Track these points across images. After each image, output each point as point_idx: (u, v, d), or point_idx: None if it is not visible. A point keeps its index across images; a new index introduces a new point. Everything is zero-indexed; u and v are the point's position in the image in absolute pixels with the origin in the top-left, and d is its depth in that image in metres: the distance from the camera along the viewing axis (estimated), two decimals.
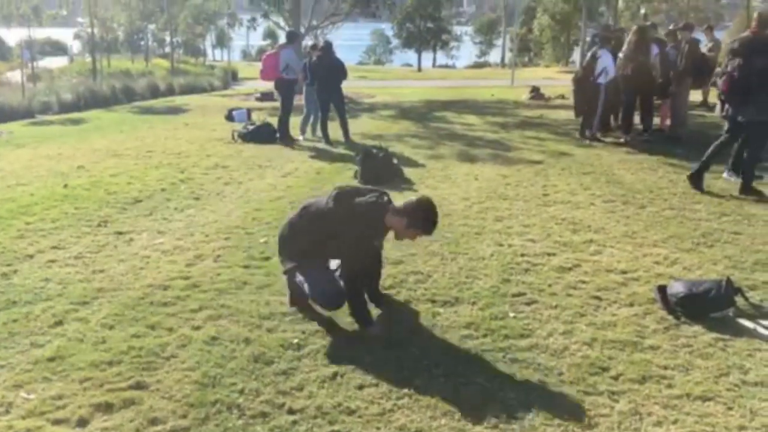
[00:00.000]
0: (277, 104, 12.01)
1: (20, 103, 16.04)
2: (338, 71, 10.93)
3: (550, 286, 4.58)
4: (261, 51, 39.06)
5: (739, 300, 4.12)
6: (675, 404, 3.15)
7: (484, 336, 3.82)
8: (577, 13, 36.82)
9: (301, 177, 8.25)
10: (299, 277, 4.06)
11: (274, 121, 11.52)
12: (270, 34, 47.24)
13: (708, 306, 4.04)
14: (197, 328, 3.94)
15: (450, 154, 9.82)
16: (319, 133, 11.25)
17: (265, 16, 24.51)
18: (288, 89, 11.01)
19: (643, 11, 27.38)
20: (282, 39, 16.19)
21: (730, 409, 3.11)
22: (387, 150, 8.66)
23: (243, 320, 4.02)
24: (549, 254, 5.23)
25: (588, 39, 12.61)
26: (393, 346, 3.72)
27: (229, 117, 13.86)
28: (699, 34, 13.31)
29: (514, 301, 4.32)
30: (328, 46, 11.26)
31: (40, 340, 3.79)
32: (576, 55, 37.34)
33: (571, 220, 6.19)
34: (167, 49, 39.26)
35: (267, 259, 5.04)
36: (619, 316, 4.11)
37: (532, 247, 5.39)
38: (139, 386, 3.29)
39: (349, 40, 41.51)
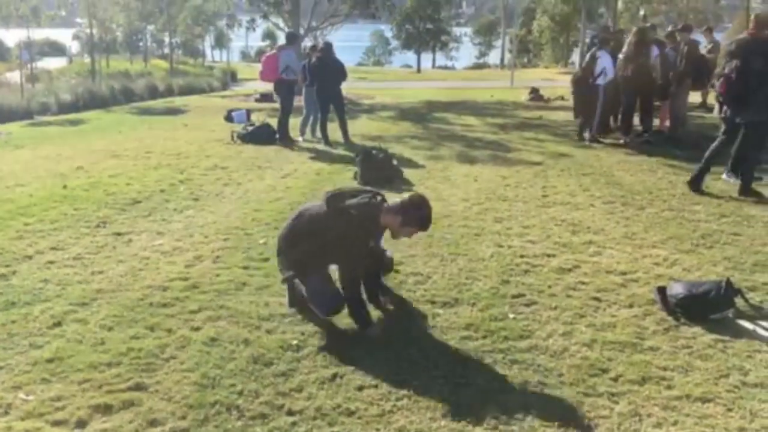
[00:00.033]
0: (277, 105, 12.01)
1: (19, 103, 16.05)
2: (338, 72, 10.94)
3: (549, 287, 4.58)
4: (260, 52, 39.09)
5: (738, 301, 4.11)
6: (675, 405, 3.14)
7: (484, 337, 3.82)
8: (576, 15, 36.88)
9: (301, 178, 8.25)
10: (299, 284, 4.06)
11: (273, 122, 11.53)
12: (269, 35, 47.30)
13: (708, 307, 4.04)
14: (196, 329, 3.93)
15: (449, 155, 9.82)
16: (318, 134, 11.26)
17: (265, 17, 24.50)
18: (287, 90, 11.02)
19: (642, 12, 27.36)
20: (281, 40, 16.18)
21: (729, 410, 3.11)
22: (387, 151, 8.66)
23: (242, 321, 4.02)
24: (548, 255, 5.22)
25: (587, 40, 12.61)
26: (392, 347, 3.71)
27: (229, 118, 13.87)
28: (698, 36, 13.34)
29: (513, 303, 4.31)
30: (328, 47, 11.26)
31: (39, 341, 3.78)
32: (575, 56, 37.39)
33: (571, 221, 6.19)
34: (166, 50, 39.35)
35: (266, 260, 5.03)
36: (619, 317, 4.10)
37: (532, 249, 5.39)
38: (139, 387, 3.29)
39: (348, 41, 41.55)
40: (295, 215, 4.19)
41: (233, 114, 13.97)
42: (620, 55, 10.22)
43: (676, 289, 4.19)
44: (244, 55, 54.44)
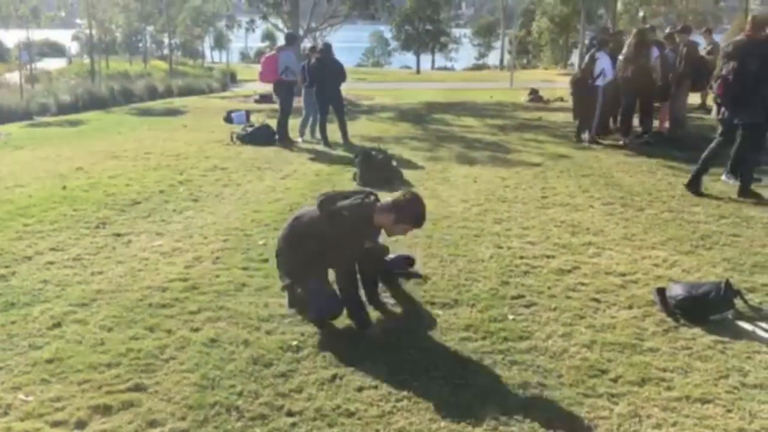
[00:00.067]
0: (276, 106, 12.02)
1: (18, 104, 16.04)
2: (337, 73, 10.94)
3: (549, 288, 4.58)
4: (259, 53, 39.11)
5: (738, 302, 4.11)
6: (674, 406, 3.14)
7: (483, 338, 3.82)
8: (575, 16, 36.92)
9: (300, 179, 8.25)
10: (298, 289, 4.07)
11: (272, 123, 11.53)
12: (268, 36, 47.29)
13: (707, 308, 4.04)
14: (196, 330, 3.93)
15: (449, 156, 9.82)
16: (318, 135, 11.27)
17: (264, 18, 24.51)
18: (287, 91, 11.02)
19: (641, 14, 27.39)
20: (280, 41, 16.19)
21: (729, 411, 3.11)
22: (386, 152, 8.67)
23: (242, 322, 4.02)
24: (548, 256, 5.23)
25: (586, 41, 12.63)
26: (392, 348, 3.71)
27: (228, 119, 13.87)
28: (697, 37, 13.35)
29: (513, 304, 4.32)
30: (327, 48, 11.27)
31: (38, 341, 3.78)
32: (575, 58, 37.41)
33: (570, 222, 6.19)
34: (165, 51, 39.32)
35: (265, 261, 5.03)
36: (619, 318, 4.10)
37: (531, 250, 5.39)
38: (138, 388, 3.28)
39: (347, 42, 41.57)
40: (291, 220, 4.20)
41: (233, 115, 13.97)
42: (620, 57, 10.23)
43: (676, 291, 4.19)
44: (244, 56, 54.43)
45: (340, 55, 11.79)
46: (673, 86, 10.56)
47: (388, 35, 54.93)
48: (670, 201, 6.94)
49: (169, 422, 3.01)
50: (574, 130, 11.21)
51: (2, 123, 14.37)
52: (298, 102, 11.64)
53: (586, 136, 10.68)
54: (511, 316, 4.11)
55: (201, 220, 6.30)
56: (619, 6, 31.46)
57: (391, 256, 4.76)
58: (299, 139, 11.42)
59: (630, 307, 4.27)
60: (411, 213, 3.93)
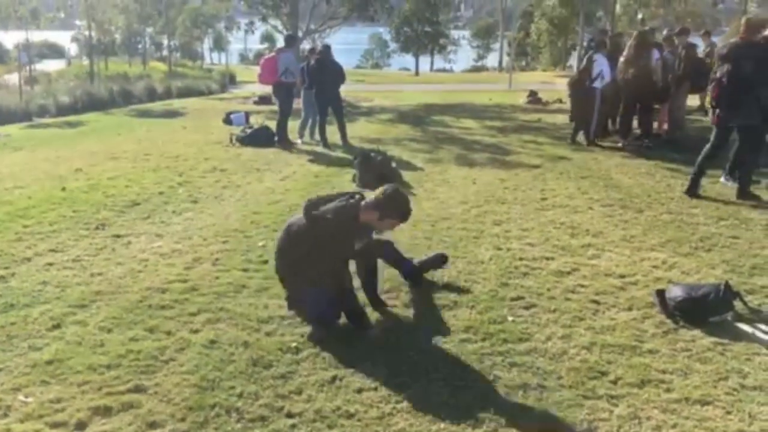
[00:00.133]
0: (275, 108, 12.03)
1: (18, 105, 16.07)
2: (336, 75, 10.95)
3: (548, 290, 4.58)
4: (259, 54, 39.12)
5: (737, 304, 4.11)
6: (674, 408, 3.15)
7: (483, 340, 3.82)
8: (574, 18, 36.90)
9: (300, 180, 8.25)
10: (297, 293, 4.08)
11: (272, 124, 11.54)
12: (268, 38, 47.34)
13: (707, 310, 4.04)
14: (196, 331, 3.93)
15: (448, 157, 9.82)
16: (317, 136, 11.28)
17: (263, 19, 24.53)
18: (286, 93, 11.03)
19: (640, 16, 27.43)
20: (280, 42, 16.21)
21: (728, 413, 3.11)
22: (385, 153, 8.68)
23: (241, 324, 4.02)
24: (547, 258, 5.23)
25: (585, 43, 12.65)
26: (392, 349, 3.71)
27: (227, 120, 13.87)
28: (696, 39, 13.37)
29: (512, 305, 4.32)
30: (327, 49, 11.28)
31: (38, 343, 3.78)
32: (573, 60, 37.41)
33: (570, 224, 6.19)
34: (165, 52, 39.35)
35: (265, 262, 5.03)
36: (618, 320, 4.11)
37: (531, 251, 5.40)
38: (138, 389, 3.28)
39: (346, 43, 41.61)
40: (284, 228, 4.20)
41: (232, 116, 13.98)
42: (621, 58, 10.23)
43: (675, 292, 4.20)
44: (243, 58, 54.46)
45: (339, 57, 11.80)
46: (672, 88, 10.57)
47: (387, 37, 54.87)
48: (669, 203, 6.95)
49: (169, 423, 3.01)
50: (571, 132, 11.21)
51: (1, 124, 14.40)
52: (298, 104, 11.64)
53: (581, 137, 10.70)
54: (510, 318, 4.12)
55: (200, 222, 6.30)
56: (618, 8, 31.48)
57: (428, 255, 4.83)
58: (298, 141, 11.42)
59: (629, 309, 4.27)
60: (394, 207, 3.96)
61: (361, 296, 4.21)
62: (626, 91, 10.22)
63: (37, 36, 34.43)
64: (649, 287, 4.57)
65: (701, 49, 12.86)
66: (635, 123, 10.82)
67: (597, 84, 10.22)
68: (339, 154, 10.29)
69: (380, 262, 4.45)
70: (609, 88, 10.28)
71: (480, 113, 16.00)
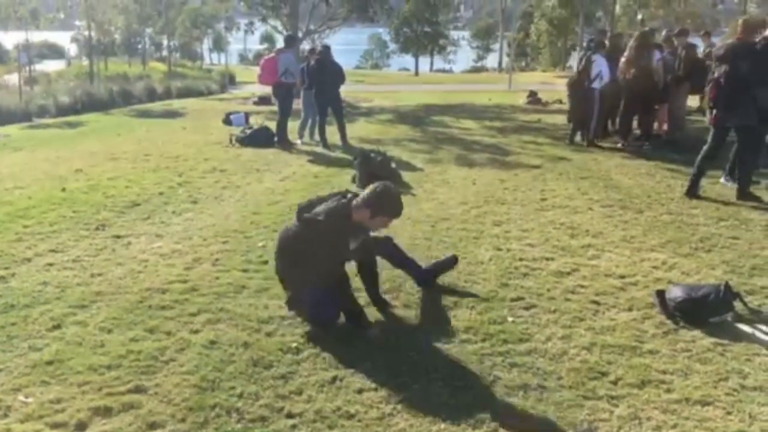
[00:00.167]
0: (275, 108, 12.03)
1: (17, 106, 16.06)
2: (336, 75, 10.95)
3: (548, 290, 4.58)
4: (258, 55, 39.12)
5: (737, 305, 4.12)
6: (674, 409, 3.15)
7: (483, 340, 3.82)
8: (574, 19, 36.94)
9: (299, 181, 8.26)
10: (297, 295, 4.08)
11: (271, 124, 11.54)
12: (267, 38, 47.38)
13: (707, 311, 4.04)
14: (196, 331, 3.93)
15: (448, 158, 9.83)
16: (317, 137, 11.28)
17: (263, 20, 24.54)
18: (286, 93, 11.03)
19: (640, 16, 27.46)
20: (279, 43, 16.22)
21: (729, 413, 3.11)
22: (385, 154, 8.68)
23: (242, 324, 4.02)
24: (547, 259, 5.23)
25: (585, 44, 12.67)
26: (392, 350, 3.71)
27: (227, 121, 13.88)
28: (695, 40, 13.37)
29: (512, 306, 4.32)
30: (326, 50, 11.28)
31: (38, 343, 3.78)
32: (573, 60, 37.43)
33: (569, 224, 6.20)
34: (164, 53, 39.35)
35: (265, 262, 5.03)
36: (618, 320, 4.11)
37: (531, 252, 5.40)
38: (138, 390, 3.28)
39: (346, 44, 41.59)
40: (281, 232, 4.20)
41: (232, 117, 13.98)
42: (622, 59, 10.23)
43: (675, 293, 4.20)
44: (243, 58, 54.48)
45: (338, 57, 11.81)
46: (672, 88, 10.57)
47: (386, 37, 54.91)
48: (669, 203, 6.95)
49: (169, 424, 3.01)
50: (569, 132, 11.22)
51: (1, 125, 14.39)
52: (297, 104, 11.65)
53: (579, 138, 10.69)
54: (510, 318, 4.12)
55: (200, 222, 6.30)
56: (618, 9, 31.51)
57: (441, 258, 4.83)
58: (298, 141, 11.43)
59: (629, 310, 4.27)
60: (385, 205, 3.95)
61: (361, 296, 4.21)
62: (627, 92, 10.22)
63: (37, 36, 34.45)
64: (649, 288, 4.57)
65: (701, 50, 12.86)
66: (635, 123, 10.82)
67: (596, 84, 10.22)
68: (339, 154, 10.29)
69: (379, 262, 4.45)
70: (609, 89, 10.29)
71: (480, 114, 16.00)
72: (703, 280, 4.72)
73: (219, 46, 48.69)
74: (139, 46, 41.42)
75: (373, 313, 4.13)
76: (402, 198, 4.14)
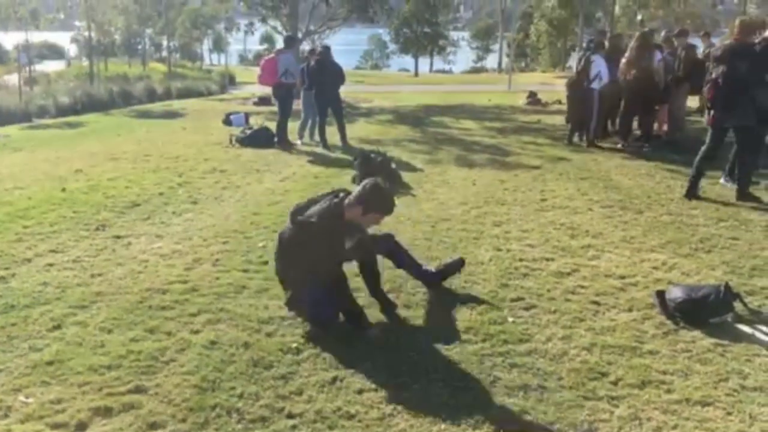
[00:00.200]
0: (275, 108, 12.04)
1: (17, 106, 16.07)
2: (336, 76, 10.95)
3: (548, 291, 4.58)
4: (258, 56, 39.12)
5: (737, 305, 4.12)
6: (674, 409, 3.15)
7: (483, 341, 3.82)
8: (573, 19, 36.96)
9: (299, 181, 8.26)
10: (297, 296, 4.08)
11: (271, 125, 11.54)
12: (267, 39, 47.36)
13: (707, 311, 4.04)
14: (196, 332, 3.93)
15: (448, 158, 9.83)
16: (317, 137, 11.28)
17: (263, 20, 24.55)
18: (286, 94, 11.04)
19: (639, 17, 27.47)
20: (279, 44, 16.23)
21: (729, 414, 3.12)
22: (385, 154, 8.68)
23: (242, 324, 4.02)
24: (547, 259, 5.23)
25: (584, 45, 12.69)
26: (392, 350, 3.71)
27: (227, 121, 13.88)
28: (696, 40, 13.37)
29: (512, 306, 4.32)
30: (326, 50, 11.28)
31: (38, 343, 3.78)
32: (573, 61, 37.42)
33: (569, 225, 6.20)
34: (164, 53, 39.33)
35: (265, 263, 5.03)
36: (618, 321, 4.11)
37: (531, 252, 5.40)
38: (138, 390, 3.28)
39: (346, 44, 41.59)
40: (279, 235, 4.20)
41: (232, 117, 13.98)
42: (623, 59, 10.23)
43: (675, 293, 4.20)
44: (242, 59, 54.47)
45: (338, 58, 11.81)
46: (672, 89, 10.57)
47: (386, 38, 54.92)
48: (668, 204, 6.95)
49: (169, 424, 3.01)
50: (568, 133, 11.22)
51: (1, 125, 14.40)
52: (297, 104, 11.65)
53: (577, 138, 10.69)
54: (510, 319, 4.12)
55: (200, 223, 6.30)
56: (617, 9, 31.53)
57: (448, 260, 4.83)
58: (298, 142, 11.43)
59: (630, 310, 4.28)
60: (375, 201, 3.95)
61: (361, 296, 4.21)
62: (628, 93, 10.22)
63: (37, 37, 34.42)
64: (649, 288, 4.57)
65: (701, 51, 12.86)
66: (635, 124, 10.82)
67: (595, 85, 10.23)
68: (339, 155, 10.29)
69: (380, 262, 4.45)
70: (608, 89, 10.29)
71: (479, 114, 16.01)
72: (703, 280, 4.73)
73: (219, 46, 48.69)
74: (139, 47, 41.42)
75: (373, 314, 4.13)
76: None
